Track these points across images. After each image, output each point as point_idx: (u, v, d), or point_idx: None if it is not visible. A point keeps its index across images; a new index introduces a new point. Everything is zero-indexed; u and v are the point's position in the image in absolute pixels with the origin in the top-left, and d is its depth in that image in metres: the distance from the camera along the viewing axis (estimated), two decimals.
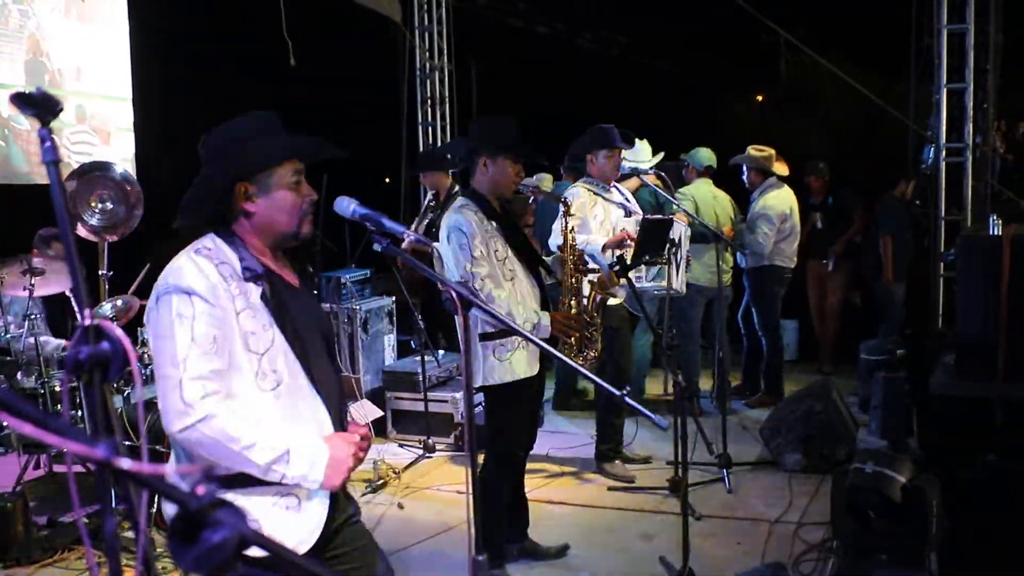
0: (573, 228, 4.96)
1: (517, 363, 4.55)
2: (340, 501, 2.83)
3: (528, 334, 2.85)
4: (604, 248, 5.91)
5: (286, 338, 2.60)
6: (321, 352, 2.78)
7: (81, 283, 1.58)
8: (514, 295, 4.50)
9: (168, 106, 9.02)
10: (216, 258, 2.59)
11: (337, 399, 2.79)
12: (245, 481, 2.54)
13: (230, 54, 8.69)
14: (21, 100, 1.56)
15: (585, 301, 4.83)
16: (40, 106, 1.55)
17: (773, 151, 8.11)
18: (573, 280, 4.80)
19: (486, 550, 4.21)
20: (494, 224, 4.57)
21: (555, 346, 4.57)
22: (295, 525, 2.61)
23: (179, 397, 2.44)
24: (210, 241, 2.65)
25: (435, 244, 4.77)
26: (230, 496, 2.42)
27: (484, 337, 4.52)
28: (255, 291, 2.60)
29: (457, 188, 8.69)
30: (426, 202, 8.72)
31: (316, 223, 2.82)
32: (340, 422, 2.79)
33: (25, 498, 5.16)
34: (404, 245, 5.50)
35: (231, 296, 2.55)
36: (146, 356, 5.65)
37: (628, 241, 5.90)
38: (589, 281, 4.91)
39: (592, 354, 4.80)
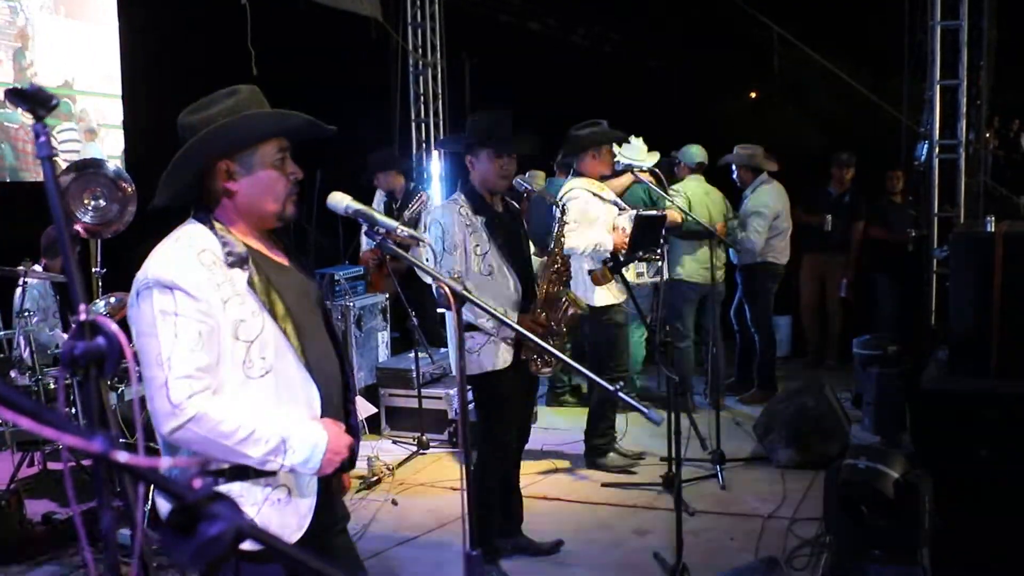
0: (563, 236, 4.94)
1: (486, 356, 4.59)
2: (335, 503, 2.81)
3: (518, 327, 2.86)
4: (615, 249, 5.92)
5: (276, 322, 2.52)
6: (318, 329, 2.71)
7: (77, 278, 1.58)
8: (487, 291, 4.50)
9: (158, 103, 8.99)
10: (197, 246, 2.50)
11: (335, 377, 2.73)
12: (236, 474, 2.50)
13: (223, 51, 8.66)
14: (15, 96, 1.55)
15: (559, 313, 4.79)
16: (34, 101, 1.55)
17: (761, 148, 8.13)
18: (551, 288, 4.77)
19: (479, 545, 4.25)
20: (481, 219, 4.60)
21: (519, 348, 4.63)
22: (283, 518, 2.56)
23: (166, 398, 2.37)
24: (190, 228, 2.57)
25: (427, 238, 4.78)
26: (220, 489, 2.43)
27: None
28: (241, 276, 2.51)
29: (413, 186, 8.66)
30: (382, 202, 8.51)
31: (307, 211, 2.75)
32: (340, 399, 2.74)
33: (19, 495, 5.15)
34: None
35: (216, 284, 2.46)
36: None
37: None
38: (567, 293, 4.86)
39: (547, 370, 4.78)
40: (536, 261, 5.12)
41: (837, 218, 9.03)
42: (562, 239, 4.90)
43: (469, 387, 4.68)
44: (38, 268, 6.21)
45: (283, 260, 2.72)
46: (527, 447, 6.74)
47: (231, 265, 2.51)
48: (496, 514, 4.82)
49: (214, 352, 2.45)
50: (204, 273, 2.46)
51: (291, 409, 2.55)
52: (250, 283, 2.52)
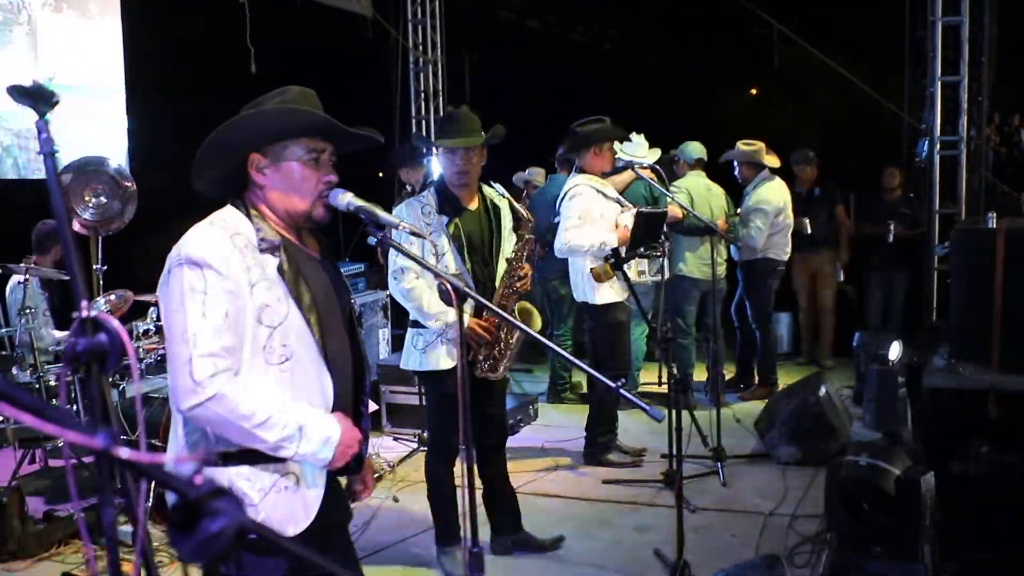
0: (525, 248, 4.80)
1: (432, 355, 4.62)
2: (341, 500, 2.82)
3: (524, 327, 2.86)
4: (620, 243, 5.92)
5: (301, 311, 2.55)
6: (339, 325, 2.74)
7: (79, 275, 1.58)
8: (436, 291, 4.45)
9: (161, 100, 9.00)
10: (231, 229, 2.54)
11: (351, 374, 2.76)
12: (246, 457, 2.52)
13: (225, 48, 8.66)
14: (17, 92, 1.55)
15: (504, 327, 4.70)
16: (36, 98, 1.55)
17: (763, 144, 8.11)
18: (504, 300, 4.64)
19: (435, 531, 4.36)
20: (444, 219, 4.58)
21: (467, 352, 4.60)
22: (290, 506, 2.59)
23: (189, 375, 2.40)
24: (226, 212, 2.61)
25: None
26: (230, 471, 2.46)
27: (411, 324, 4.74)
28: (271, 262, 2.55)
29: (429, 180, 8.75)
30: (404, 195, 8.76)
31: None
32: (354, 397, 2.78)
33: (21, 492, 5.15)
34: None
35: (246, 267, 2.50)
36: (141, 350, 5.66)
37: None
38: (520, 308, 4.80)
39: (493, 374, 4.71)
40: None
41: (814, 215, 8.96)
42: (524, 251, 4.75)
43: (421, 383, 4.74)
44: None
45: (314, 254, 2.75)
46: (526, 444, 6.78)
47: (263, 251, 2.55)
48: (447, 504, 4.83)
49: (239, 334, 2.48)
50: (236, 255, 2.50)
51: (305, 398, 2.58)
52: (280, 270, 2.56)
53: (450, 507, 4.84)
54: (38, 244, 6.27)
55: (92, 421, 1.53)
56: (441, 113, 11.18)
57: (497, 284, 4.69)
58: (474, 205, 4.71)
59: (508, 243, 4.75)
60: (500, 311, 2.82)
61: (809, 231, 8.73)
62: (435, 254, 4.53)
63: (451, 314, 4.41)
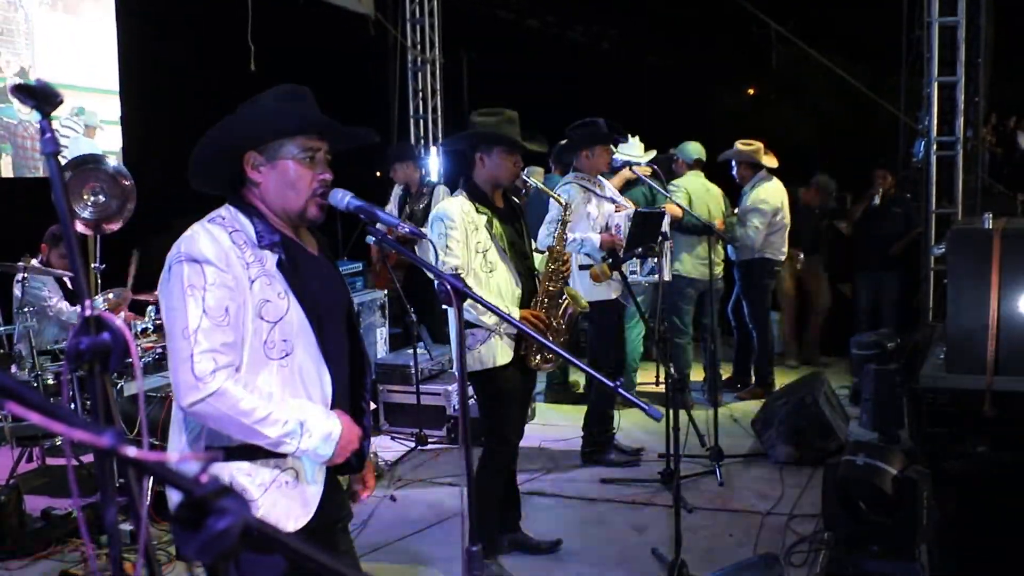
0: (564, 234, 4.98)
1: (487, 352, 4.61)
2: (340, 498, 2.83)
3: (518, 323, 2.88)
4: (601, 246, 5.94)
5: (301, 306, 2.57)
6: (338, 323, 2.76)
7: (82, 274, 1.59)
8: (487, 287, 4.53)
9: (156, 99, 8.99)
10: (230, 226, 2.56)
11: (348, 372, 2.77)
12: (246, 453, 2.53)
13: (221, 47, 8.65)
14: (21, 92, 1.55)
15: (559, 310, 4.81)
16: (40, 98, 1.55)
17: (761, 144, 8.12)
18: (551, 286, 4.78)
19: (480, 541, 4.29)
20: (484, 216, 4.63)
21: (520, 344, 4.65)
22: (290, 502, 2.60)
23: (190, 371, 2.41)
24: (225, 210, 2.63)
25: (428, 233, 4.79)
26: (230, 466, 2.47)
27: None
28: (271, 258, 2.56)
29: (428, 179, 8.72)
30: (398, 195, 8.65)
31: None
32: (354, 394, 2.79)
33: (19, 491, 5.15)
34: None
35: (245, 263, 2.51)
36: (139, 349, 5.66)
37: (619, 241, 5.97)
38: (568, 292, 4.89)
39: (547, 365, 4.79)
40: (537, 257, 5.13)
41: (820, 222, 9.00)
42: (564, 237, 4.92)
43: (470, 384, 4.68)
44: (35, 263, 6.21)
45: (312, 251, 2.77)
46: (524, 444, 6.76)
47: (262, 247, 2.57)
48: (496, 510, 4.83)
49: (239, 329, 2.49)
50: (235, 251, 2.52)
51: (304, 394, 2.59)
52: (279, 265, 2.57)
53: (495, 516, 4.81)
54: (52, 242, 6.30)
55: (96, 420, 1.54)
56: (439, 113, 11.19)
57: (540, 274, 4.84)
58: (502, 204, 4.79)
59: (528, 239, 4.91)
60: (494, 306, 2.82)
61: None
62: (480, 251, 4.58)
63: (504, 309, 4.45)
